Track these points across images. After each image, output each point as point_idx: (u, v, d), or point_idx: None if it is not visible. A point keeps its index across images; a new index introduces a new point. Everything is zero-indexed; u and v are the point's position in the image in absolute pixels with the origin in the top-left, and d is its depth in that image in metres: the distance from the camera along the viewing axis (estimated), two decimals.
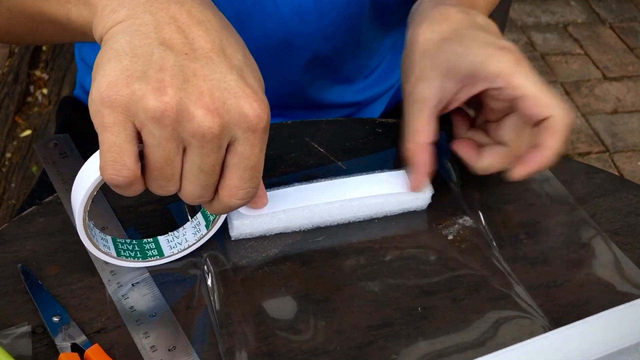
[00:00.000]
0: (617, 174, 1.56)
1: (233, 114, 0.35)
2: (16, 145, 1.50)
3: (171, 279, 0.44)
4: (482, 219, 0.49)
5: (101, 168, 0.36)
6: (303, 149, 0.54)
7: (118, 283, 0.43)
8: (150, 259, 0.44)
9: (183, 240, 0.45)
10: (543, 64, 1.88)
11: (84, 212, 0.39)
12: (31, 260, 0.44)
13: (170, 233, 0.45)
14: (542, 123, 0.44)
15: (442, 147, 0.51)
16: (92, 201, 0.48)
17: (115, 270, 0.44)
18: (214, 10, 0.38)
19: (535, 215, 0.50)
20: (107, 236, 0.44)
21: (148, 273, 0.44)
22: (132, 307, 0.42)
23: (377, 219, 0.49)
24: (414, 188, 0.48)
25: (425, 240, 0.48)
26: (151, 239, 0.45)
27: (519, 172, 0.46)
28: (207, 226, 0.45)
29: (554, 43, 1.95)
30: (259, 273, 0.45)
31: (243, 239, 0.47)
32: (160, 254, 0.44)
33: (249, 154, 0.36)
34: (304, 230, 0.48)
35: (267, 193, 0.46)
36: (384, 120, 0.57)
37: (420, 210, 0.49)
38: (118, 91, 0.34)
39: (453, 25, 0.47)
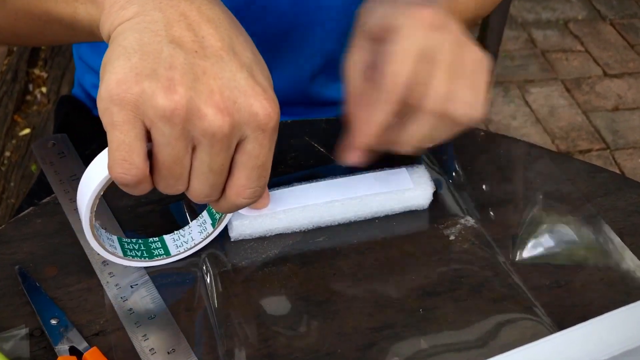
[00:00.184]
0: (618, 171, 1.55)
1: (243, 112, 0.35)
2: (15, 144, 1.50)
3: (170, 281, 0.44)
4: (484, 218, 0.49)
5: (110, 167, 0.35)
6: (303, 148, 0.53)
7: (117, 285, 0.43)
8: (156, 258, 0.44)
9: (189, 239, 0.45)
10: (543, 61, 1.87)
11: (91, 211, 0.39)
12: (29, 262, 0.44)
13: (176, 232, 0.45)
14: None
15: (443, 147, 0.51)
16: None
17: (113, 272, 0.44)
18: (223, 8, 0.38)
19: (538, 215, 0.49)
20: (113, 236, 0.43)
21: (147, 275, 0.44)
22: (130, 309, 0.42)
23: (378, 219, 0.48)
24: (352, 145, 0.44)
25: (426, 241, 0.47)
26: (157, 238, 0.45)
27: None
28: (213, 224, 0.44)
29: (554, 40, 1.95)
30: (259, 274, 0.44)
31: (242, 240, 0.46)
32: (167, 253, 0.44)
33: (257, 153, 0.36)
34: (304, 231, 0.47)
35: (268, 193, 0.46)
36: None
37: (421, 210, 0.49)
38: (127, 89, 0.33)
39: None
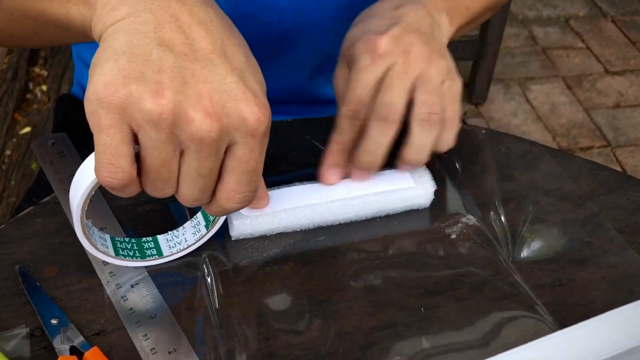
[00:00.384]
0: (619, 168, 1.55)
1: (232, 117, 0.34)
2: (15, 143, 1.50)
3: (171, 280, 0.44)
4: (486, 217, 0.49)
5: (96, 170, 0.35)
6: (304, 147, 0.53)
7: (117, 284, 0.43)
8: (149, 258, 0.44)
9: (182, 240, 0.44)
10: (544, 58, 1.87)
11: (82, 212, 0.39)
12: (29, 261, 0.44)
13: (169, 232, 0.45)
14: None
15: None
16: (90, 201, 0.48)
17: (114, 271, 0.43)
18: (216, 9, 0.37)
19: (540, 213, 0.49)
20: (105, 235, 0.43)
21: (147, 274, 0.44)
22: (131, 309, 0.41)
23: (379, 218, 0.48)
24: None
25: (428, 239, 0.47)
26: (150, 238, 0.45)
27: None
28: (207, 226, 0.44)
29: (555, 37, 1.94)
30: (260, 273, 0.44)
31: (243, 239, 0.46)
32: (159, 254, 0.44)
33: (247, 158, 0.36)
34: (305, 230, 0.47)
35: (268, 192, 0.46)
36: None
37: (422, 209, 0.49)
38: (114, 92, 0.33)
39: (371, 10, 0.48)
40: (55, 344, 0.39)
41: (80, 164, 0.38)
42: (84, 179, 0.37)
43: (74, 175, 0.38)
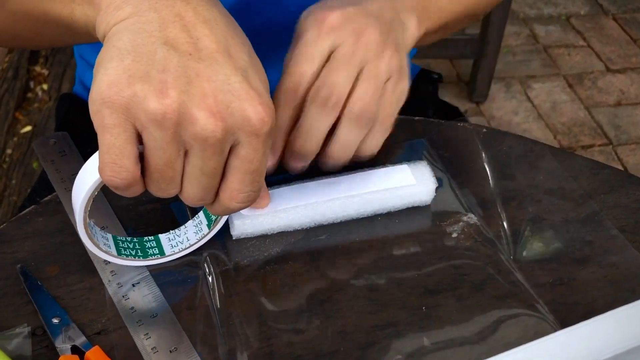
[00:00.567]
0: (620, 166, 1.55)
1: (236, 117, 0.34)
2: (16, 142, 1.50)
3: (172, 279, 0.44)
4: (487, 216, 0.49)
5: (100, 169, 0.35)
6: None
7: (118, 283, 0.43)
8: (151, 257, 0.44)
9: (184, 239, 0.44)
10: (545, 57, 1.87)
11: (85, 212, 0.39)
12: (30, 260, 0.44)
13: (171, 231, 0.45)
14: None
15: (445, 144, 0.50)
16: (92, 200, 0.48)
17: (115, 270, 0.43)
18: (220, 8, 0.37)
19: (541, 212, 0.49)
20: (107, 234, 0.43)
21: (148, 273, 0.44)
22: (132, 308, 0.42)
23: (380, 216, 0.48)
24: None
25: (429, 238, 0.47)
26: (152, 237, 0.45)
27: None
28: (209, 225, 0.44)
29: (556, 35, 1.94)
30: (261, 272, 0.44)
31: (244, 238, 0.46)
32: (162, 253, 0.44)
33: (251, 158, 0.36)
34: (306, 229, 0.47)
35: (269, 192, 0.46)
36: None
37: (423, 208, 0.49)
38: (119, 91, 0.33)
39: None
40: (57, 343, 0.39)
41: (81, 163, 0.38)
42: (88, 178, 0.37)
43: (75, 174, 0.39)
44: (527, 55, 1.87)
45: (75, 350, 0.39)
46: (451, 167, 0.52)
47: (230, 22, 0.37)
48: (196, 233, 0.44)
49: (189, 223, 0.45)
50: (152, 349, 0.39)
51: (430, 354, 0.40)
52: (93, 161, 0.37)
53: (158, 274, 0.44)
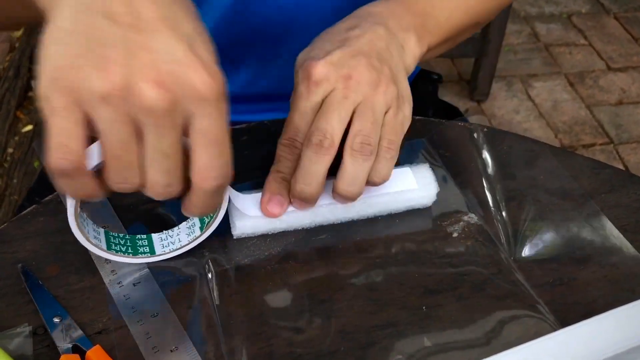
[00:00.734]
0: (621, 165, 1.55)
1: (182, 85, 0.33)
2: (18, 141, 1.50)
3: (173, 279, 0.44)
4: (487, 216, 0.49)
5: (48, 152, 0.34)
6: None
7: (119, 283, 0.43)
8: (140, 255, 0.43)
9: (176, 240, 0.44)
10: (547, 55, 1.87)
11: (74, 200, 0.39)
12: (31, 260, 0.44)
13: (164, 232, 0.45)
14: None
15: (446, 143, 0.50)
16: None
17: (116, 270, 0.43)
18: None
19: (541, 212, 0.49)
20: (99, 228, 0.43)
21: (149, 272, 0.44)
22: (133, 308, 0.42)
23: (381, 217, 0.48)
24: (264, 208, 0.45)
25: (429, 238, 0.47)
26: (144, 235, 0.44)
27: None
28: (201, 228, 0.44)
29: (557, 34, 1.94)
30: (261, 272, 0.44)
31: (245, 238, 0.46)
32: (152, 252, 0.44)
33: (209, 128, 0.35)
34: (306, 229, 0.47)
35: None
36: None
37: (424, 208, 0.49)
38: (63, 74, 0.33)
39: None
40: (58, 343, 0.40)
41: None
42: None
43: None
44: (528, 54, 1.87)
45: (76, 349, 0.39)
46: (451, 167, 0.52)
47: None
48: (188, 235, 0.44)
49: (183, 224, 0.45)
50: (152, 348, 0.39)
51: (431, 354, 0.40)
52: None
53: (159, 273, 0.44)
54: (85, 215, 0.41)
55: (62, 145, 0.33)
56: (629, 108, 1.72)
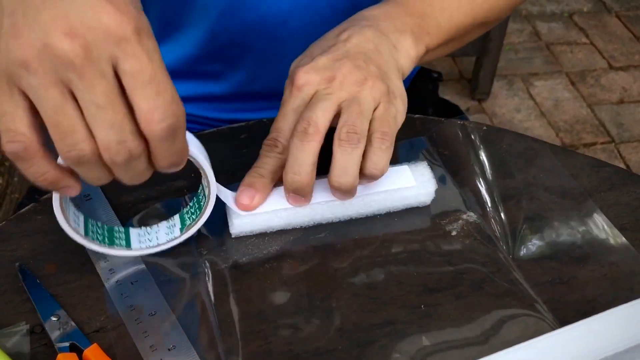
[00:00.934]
0: (623, 164, 1.55)
1: (95, 30, 0.32)
2: None
3: (170, 277, 0.43)
4: (486, 214, 0.48)
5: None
6: None
7: (117, 282, 0.43)
8: (115, 247, 0.43)
9: (154, 238, 0.44)
10: (548, 54, 1.86)
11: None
12: (29, 258, 0.44)
13: (143, 227, 0.44)
14: None
15: (445, 143, 0.50)
16: (91, 198, 0.48)
17: (114, 268, 0.43)
18: None
19: (540, 210, 0.49)
20: (79, 213, 0.42)
21: (147, 271, 0.44)
22: (131, 306, 0.41)
23: (380, 215, 0.48)
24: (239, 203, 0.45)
25: (428, 236, 0.47)
26: (122, 228, 0.44)
27: None
28: (181, 229, 0.44)
29: (559, 32, 1.94)
30: (260, 270, 0.44)
31: (243, 236, 0.46)
32: (128, 245, 0.43)
33: (137, 68, 0.33)
34: (305, 227, 0.47)
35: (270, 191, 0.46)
36: None
37: (423, 206, 0.49)
38: None
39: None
40: (55, 341, 0.39)
41: None
42: None
43: None
44: (529, 53, 1.87)
45: (73, 348, 0.39)
46: (451, 165, 0.52)
47: None
48: (167, 234, 0.44)
49: (163, 223, 0.45)
50: (150, 347, 0.39)
51: (429, 352, 0.40)
52: None
53: (156, 272, 0.44)
54: (68, 199, 0.41)
55: (9, 130, 0.33)
56: (631, 107, 1.72)
